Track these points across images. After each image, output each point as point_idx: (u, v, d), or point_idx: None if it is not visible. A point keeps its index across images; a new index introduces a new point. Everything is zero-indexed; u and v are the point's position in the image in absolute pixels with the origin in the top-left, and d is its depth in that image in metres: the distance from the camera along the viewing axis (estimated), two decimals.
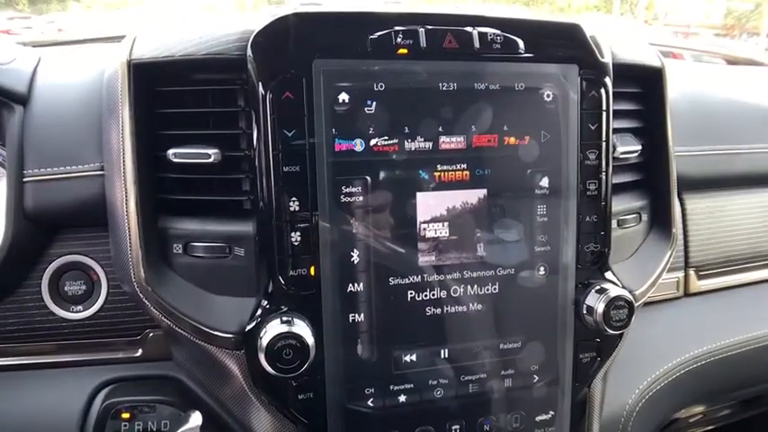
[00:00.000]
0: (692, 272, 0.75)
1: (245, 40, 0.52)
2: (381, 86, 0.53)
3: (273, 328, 0.51)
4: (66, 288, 0.60)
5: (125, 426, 0.57)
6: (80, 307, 0.60)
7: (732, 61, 1.15)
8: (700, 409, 0.83)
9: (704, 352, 0.74)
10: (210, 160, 0.53)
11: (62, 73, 0.64)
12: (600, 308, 0.58)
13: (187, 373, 0.61)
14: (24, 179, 0.58)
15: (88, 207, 0.58)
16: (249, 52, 0.52)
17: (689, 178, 0.72)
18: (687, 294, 0.75)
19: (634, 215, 0.65)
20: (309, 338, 0.51)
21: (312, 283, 0.53)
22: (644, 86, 0.65)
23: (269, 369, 0.50)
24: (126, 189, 0.53)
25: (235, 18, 0.68)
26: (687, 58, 1.35)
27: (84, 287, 0.60)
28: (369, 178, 0.53)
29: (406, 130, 0.53)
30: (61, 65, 0.66)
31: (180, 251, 0.55)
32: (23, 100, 0.60)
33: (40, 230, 0.59)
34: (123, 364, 0.62)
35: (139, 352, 0.62)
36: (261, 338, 0.51)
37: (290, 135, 0.51)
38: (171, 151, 0.54)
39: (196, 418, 0.58)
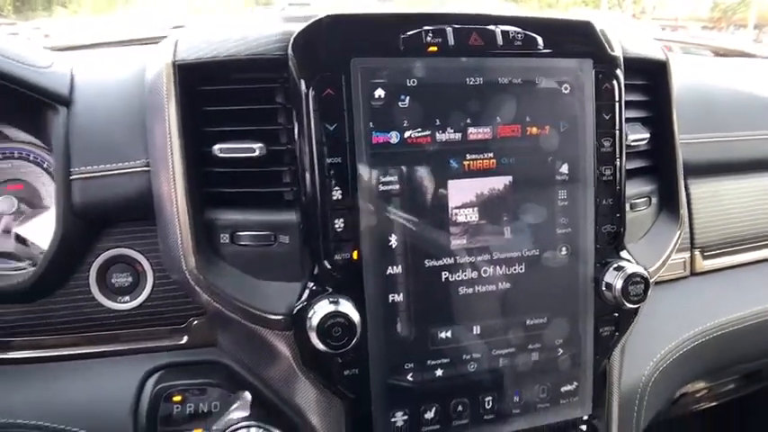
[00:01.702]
0: (697, 252, 0.80)
1: (285, 41, 0.56)
2: (414, 82, 0.57)
3: (322, 309, 0.54)
4: (113, 280, 0.63)
5: (177, 408, 0.61)
6: (127, 298, 0.64)
7: (721, 53, 1.20)
8: (705, 384, 0.88)
9: (710, 327, 0.78)
10: (255, 154, 0.57)
11: (98, 75, 0.67)
12: (618, 284, 0.62)
13: (232, 357, 0.64)
14: (71, 177, 0.61)
15: (133, 202, 0.61)
16: (290, 52, 0.55)
17: (692, 164, 0.77)
18: (693, 274, 0.80)
19: (644, 199, 0.70)
20: (356, 317, 0.55)
21: (354, 267, 0.57)
22: (650, 78, 0.70)
23: (320, 346, 0.54)
24: (175, 183, 0.57)
25: (268, 20, 0.71)
26: (676, 51, 1.40)
27: (130, 279, 0.64)
28: (404, 168, 0.57)
29: (437, 123, 0.57)
30: (94, 67, 0.69)
31: (227, 240, 0.58)
32: (66, 101, 0.63)
33: (88, 226, 0.62)
34: (169, 351, 0.65)
35: (185, 339, 0.65)
36: (310, 318, 0.54)
37: (331, 129, 0.55)
38: (217, 147, 0.57)
39: (246, 398, 0.61)
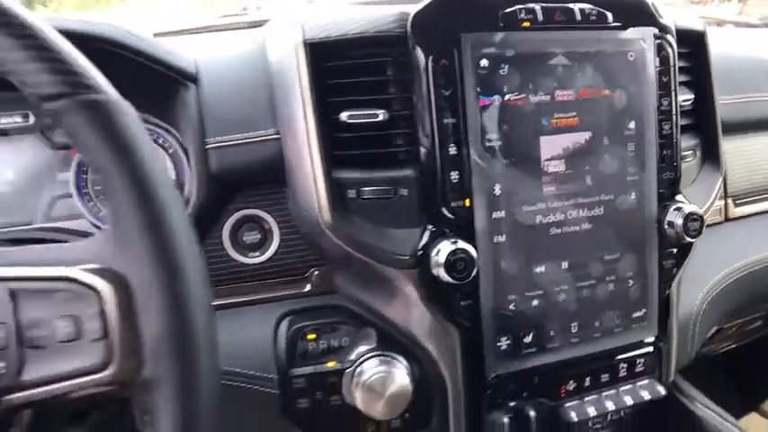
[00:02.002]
0: (729, 201, 0.92)
1: (403, 20, 0.65)
2: (511, 53, 0.66)
3: (446, 247, 0.64)
4: (244, 238, 0.72)
5: (312, 345, 0.70)
6: (257, 253, 0.72)
7: (720, 24, 1.32)
8: (739, 321, 1.00)
9: (742, 265, 0.90)
10: (379, 119, 0.66)
11: (216, 54, 0.75)
12: (679, 221, 0.73)
13: (351, 299, 0.73)
14: (207, 146, 0.69)
15: (264, 167, 0.70)
16: (409, 30, 0.65)
17: (722, 123, 0.88)
18: (727, 219, 0.92)
19: (691, 152, 0.81)
20: (474, 252, 0.64)
21: (467, 212, 0.66)
22: (692, 47, 0.81)
23: (447, 279, 0.63)
24: (311, 148, 0.65)
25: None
26: None
27: (258, 236, 0.72)
28: (505, 126, 0.67)
29: (530, 87, 0.67)
30: (206, 48, 0.77)
31: (354, 196, 0.67)
32: (195, 79, 0.71)
33: (222, 190, 0.70)
34: (295, 299, 0.73)
35: (307, 288, 0.73)
36: (436, 256, 0.64)
37: (447, 94, 0.64)
38: (344, 114, 0.66)
39: (371, 333, 0.70)
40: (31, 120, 0.77)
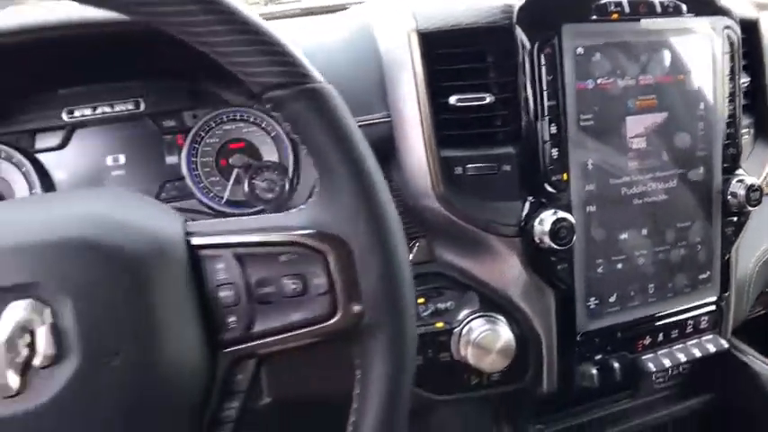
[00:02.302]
0: None
1: (509, 11, 0.72)
2: (602, 41, 0.74)
3: (549, 217, 0.71)
4: None
5: (422, 308, 0.77)
6: None
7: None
8: None
9: None
10: (486, 102, 0.73)
11: (319, 39, 0.81)
12: (742, 192, 0.81)
13: (451, 267, 0.80)
14: None
15: (374, 147, 0.76)
16: (515, 20, 0.71)
17: None
18: None
19: (746, 129, 0.89)
20: (573, 221, 0.72)
21: (565, 185, 0.74)
22: (747, 33, 0.89)
23: (552, 245, 0.71)
24: (423, 129, 0.72)
25: None
26: None
27: None
28: (597, 107, 0.74)
29: (618, 72, 0.75)
30: (307, 33, 0.83)
31: (460, 172, 0.74)
32: None
33: None
34: None
35: (410, 257, 0.80)
36: (540, 225, 0.71)
37: (550, 79, 0.71)
38: (453, 98, 0.73)
39: (473, 296, 0.78)
40: (143, 107, 0.82)
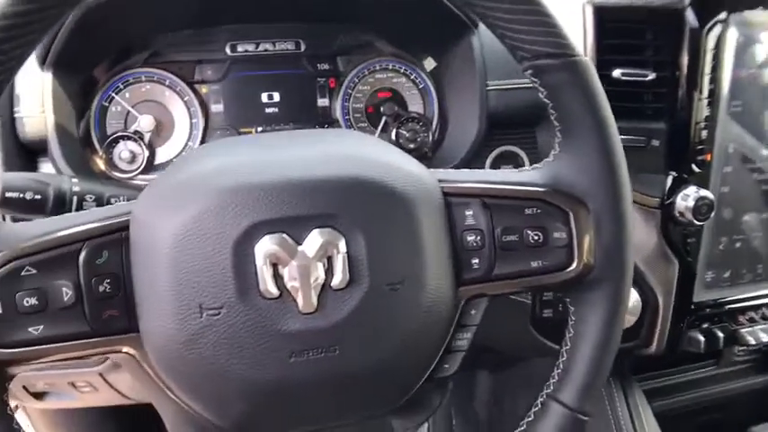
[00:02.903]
0: None
1: None
2: (761, 32, 0.77)
3: (693, 193, 0.76)
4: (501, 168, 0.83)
5: None
6: None
7: None
8: None
9: None
10: (648, 78, 0.77)
11: None
12: None
13: None
14: (488, 88, 0.79)
15: (528, 111, 0.80)
16: (687, 3, 0.75)
17: None
18: None
19: None
20: (713, 198, 0.77)
21: (707, 165, 0.79)
22: None
23: (691, 219, 0.76)
24: None
25: None
26: None
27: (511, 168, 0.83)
28: (746, 95, 0.79)
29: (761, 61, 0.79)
30: None
31: None
32: (477, 24, 0.80)
33: (491, 127, 0.81)
34: None
35: None
36: (684, 201, 0.76)
37: (712, 63, 0.75)
38: (618, 71, 0.77)
39: None
40: (303, 47, 0.85)
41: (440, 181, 0.50)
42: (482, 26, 0.81)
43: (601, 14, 0.76)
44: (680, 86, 0.76)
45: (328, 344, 0.43)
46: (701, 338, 0.85)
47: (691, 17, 0.75)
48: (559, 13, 0.49)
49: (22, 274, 0.42)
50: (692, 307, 0.84)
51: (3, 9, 0.38)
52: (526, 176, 0.52)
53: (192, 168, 0.45)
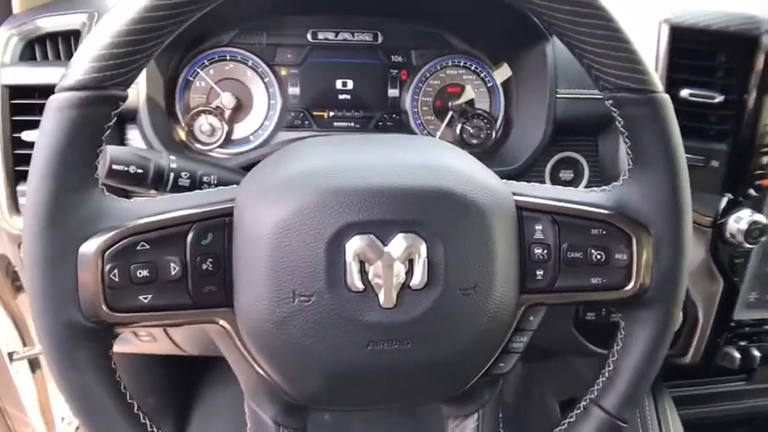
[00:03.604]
0: None
1: (755, 23, 0.76)
2: None
3: (747, 216, 0.78)
4: (560, 174, 0.85)
5: None
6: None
7: None
8: None
9: None
10: (715, 101, 0.79)
11: None
12: None
13: None
14: (557, 96, 0.81)
15: (593, 120, 0.82)
16: (765, 29, 0.76)
17: None
18: None
19: None
20: (766, 222, 0.79)
21: (763, 191, 0.81)
22: None
23: (741, 241, 0.78)
24: None
25: None
26: None
27: (572, 175, 0.85)
28: None
29: None
30: None
31: None
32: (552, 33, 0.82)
33: (556, 133, 0.83)
34: None
35: None
36: (737, 223, 0.78)
37: None
38: (686, 91, 0.78)
39: None
40: (380, 39, 0.88)
41: (514, 194, 0.53)
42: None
43: (676, 34, 0.77)
44: (746, 110, 0.78)
45: (402, 337, 0.48)
46: (737, 355, 0.88)
47: (766, 42, 0.76)
48: (633, 29, 0.51)
49: (138, 248, 0.47)
50: (732, 324, 0.87)
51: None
52: (595, 198, 0.55)
53: (295, 166, 0.49)
